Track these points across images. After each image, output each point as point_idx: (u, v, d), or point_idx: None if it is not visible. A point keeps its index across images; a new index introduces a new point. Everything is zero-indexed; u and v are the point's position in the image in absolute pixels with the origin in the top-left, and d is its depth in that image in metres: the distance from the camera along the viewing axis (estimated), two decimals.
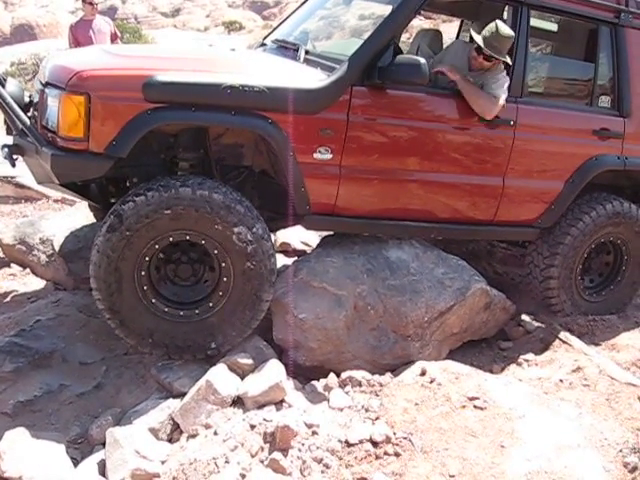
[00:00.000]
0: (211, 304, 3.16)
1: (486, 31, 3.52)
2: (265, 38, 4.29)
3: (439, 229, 3.80)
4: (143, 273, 3.04)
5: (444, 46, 4.36)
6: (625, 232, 4.24)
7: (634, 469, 2.65)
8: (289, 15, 4.48)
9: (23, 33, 27.12)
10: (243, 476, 2.48)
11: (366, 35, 3.47)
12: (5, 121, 3.28)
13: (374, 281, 3.46)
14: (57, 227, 4.29)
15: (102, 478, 2.65)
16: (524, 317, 4.14)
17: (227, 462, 2.53)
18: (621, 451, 2.76)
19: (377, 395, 3.01)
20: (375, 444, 2.66)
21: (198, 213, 2.99)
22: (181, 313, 3.14)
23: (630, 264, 4.35)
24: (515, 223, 3.98)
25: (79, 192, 3.45)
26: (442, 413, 2.86)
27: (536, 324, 4.06)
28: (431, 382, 3.06)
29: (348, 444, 2.65)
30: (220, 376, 2.96)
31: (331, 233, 3.88)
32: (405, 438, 2.70)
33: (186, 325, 3.14)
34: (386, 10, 3.54)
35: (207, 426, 2.78)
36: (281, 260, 4.05)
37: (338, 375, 3.19)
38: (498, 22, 3.51)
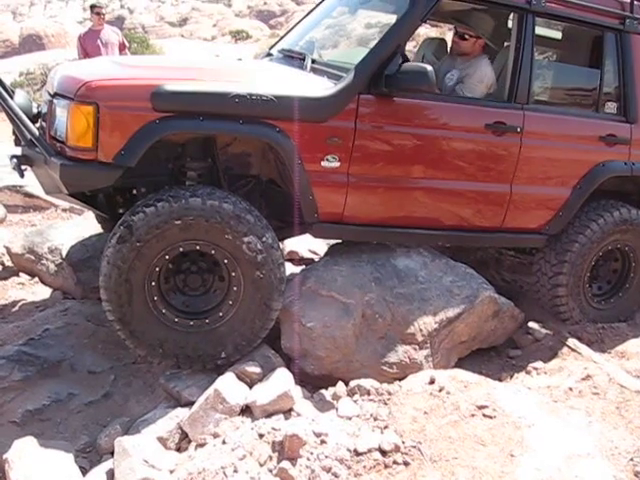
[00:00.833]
0: (221, 314, 3.16)
1: None
2: (271, 48, 4.31)
3: (447, 236, 3.80)
4: (153, 284, 3.04)
5: None
6: (633, 239, 4.23)
7: None
8: (295, 25, 4.50)
9: (31, 43, 27.31)
10: None
11: (372, 44, 3.47)
12: (14, 132, 3.31)
13: (382, 289, 3.46)
14: (66, 236, 4.31)
15: None
16: (533, 325, 4.11)
17: (236, 471, 2.52)
18: (632, 460, 2.73)
19: (386, 404, 3.00)
20: (384, 453, 2.64)
21: (208, 223, 2.99)
22: (191, 323, 3.13)
23: (638, 271, 4.33)
24: (523, 230, 3.97)
25: (87, 202, 3.46)
26: (451, 422, 2.84)
27: (545, 332, 4.03)
28: (440, 391, 3.04)
29: (357, 453, 2.63)
30: (228, 385, 2.95)
31: (339, 241, 3.88)
32: (414, 447, 2.68)
33: (196, 335, 3.14)
34: (392, 19, 3.56)
35: (215, 435, 2.77)
36: (289, 269, 4.05)
37: (346, 384, 3.18)
38: None
